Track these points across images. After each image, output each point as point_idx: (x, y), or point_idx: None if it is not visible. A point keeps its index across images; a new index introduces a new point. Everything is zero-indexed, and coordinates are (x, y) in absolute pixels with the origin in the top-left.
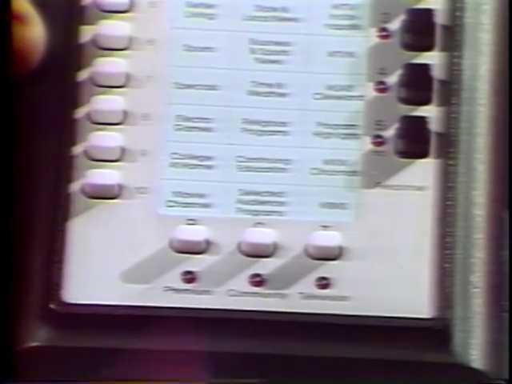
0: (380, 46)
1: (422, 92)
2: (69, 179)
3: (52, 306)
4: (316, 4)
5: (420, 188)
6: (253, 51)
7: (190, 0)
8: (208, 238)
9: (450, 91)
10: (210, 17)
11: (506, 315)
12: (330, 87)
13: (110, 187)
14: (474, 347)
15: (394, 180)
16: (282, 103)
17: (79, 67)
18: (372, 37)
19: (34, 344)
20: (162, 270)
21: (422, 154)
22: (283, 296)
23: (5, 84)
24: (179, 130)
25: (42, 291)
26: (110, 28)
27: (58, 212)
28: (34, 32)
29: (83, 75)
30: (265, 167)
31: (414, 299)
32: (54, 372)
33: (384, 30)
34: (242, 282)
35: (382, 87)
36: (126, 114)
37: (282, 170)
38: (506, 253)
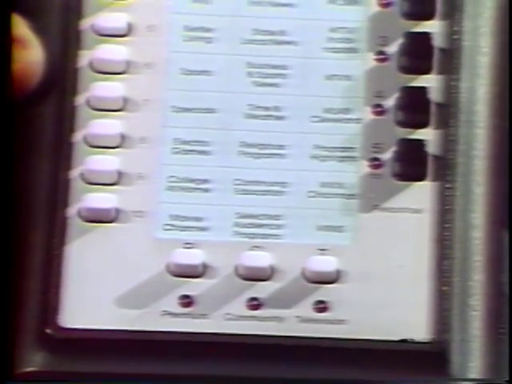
0: (377, 69)
1: (420, 115)
2: (65, 203)
3: (48, 330)
4: (313, 27)
5: (417, 211)
6: (250, 74)
7: (187, 24)
8: (205, 262)
9: (448, 114)
10: (208, 40)
11: (505, 338)
12: (328, 110)
13: (106, 211)
14: (472, 370)
15: (392, 203)
16: (280, 126)
17: (77, 91)
18: (369, 60)
19: (31, 369)
20: (158, 294)
21: (420, 176)
22: (280, 320)
23: (3, 106)
24: (176, 153)
25: (38, 316)
26: (108, 52)
27: (55, 236)
28: (33, 55)
29: (80, 99)
30: (262, 190)
31: (411, 322)
32: None
33: (381, 53)
34: (239, 306)
35: (379, 110)
36: (123, 137)
37: (279, 192)
38: (506, 275)
